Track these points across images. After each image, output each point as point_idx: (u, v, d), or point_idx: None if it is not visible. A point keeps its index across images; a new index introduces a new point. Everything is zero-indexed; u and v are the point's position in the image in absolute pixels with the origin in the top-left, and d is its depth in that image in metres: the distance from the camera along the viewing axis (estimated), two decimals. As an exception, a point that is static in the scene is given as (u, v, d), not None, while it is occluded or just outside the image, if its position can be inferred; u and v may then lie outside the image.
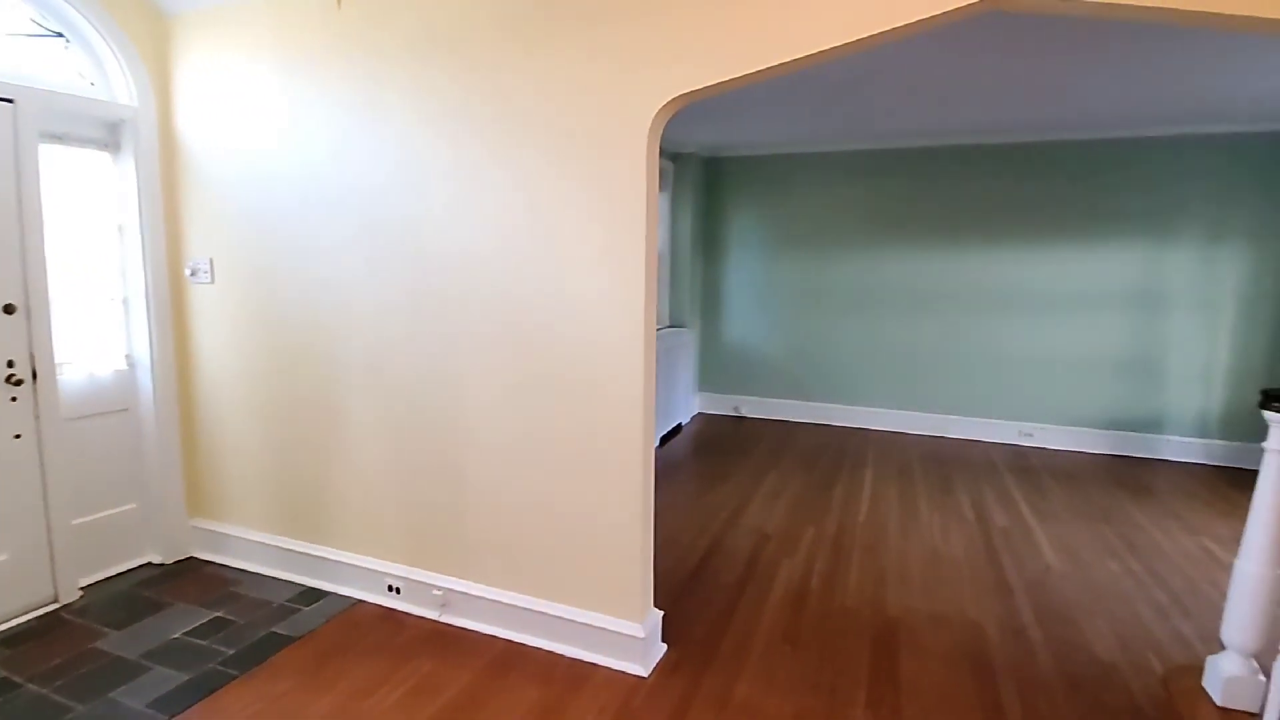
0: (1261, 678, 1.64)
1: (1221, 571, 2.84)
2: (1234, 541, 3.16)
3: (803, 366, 5.40)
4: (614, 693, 2.03)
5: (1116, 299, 4.51)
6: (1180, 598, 2.63)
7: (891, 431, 5.15)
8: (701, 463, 4.36)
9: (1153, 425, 4.53)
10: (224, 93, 2.54)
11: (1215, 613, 2.46)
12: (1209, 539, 3.21)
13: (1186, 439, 4.46)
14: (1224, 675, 1.67)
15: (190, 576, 2.73)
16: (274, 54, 2.42)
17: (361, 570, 2.55)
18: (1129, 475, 4.18)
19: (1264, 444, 1.61)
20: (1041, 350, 4.72)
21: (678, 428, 5.13)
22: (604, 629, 2.15)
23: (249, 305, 2.63)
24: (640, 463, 2.04)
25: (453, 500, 2.36)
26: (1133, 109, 3.83)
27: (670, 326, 5.28)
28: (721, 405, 5.69)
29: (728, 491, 3.81)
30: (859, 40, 1.62)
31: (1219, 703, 1.68)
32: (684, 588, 2.68)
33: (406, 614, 2.46)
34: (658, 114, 1.86)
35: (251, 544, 2.77)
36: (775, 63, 1.69)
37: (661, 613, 2.29)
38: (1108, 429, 4.63)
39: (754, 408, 5.58)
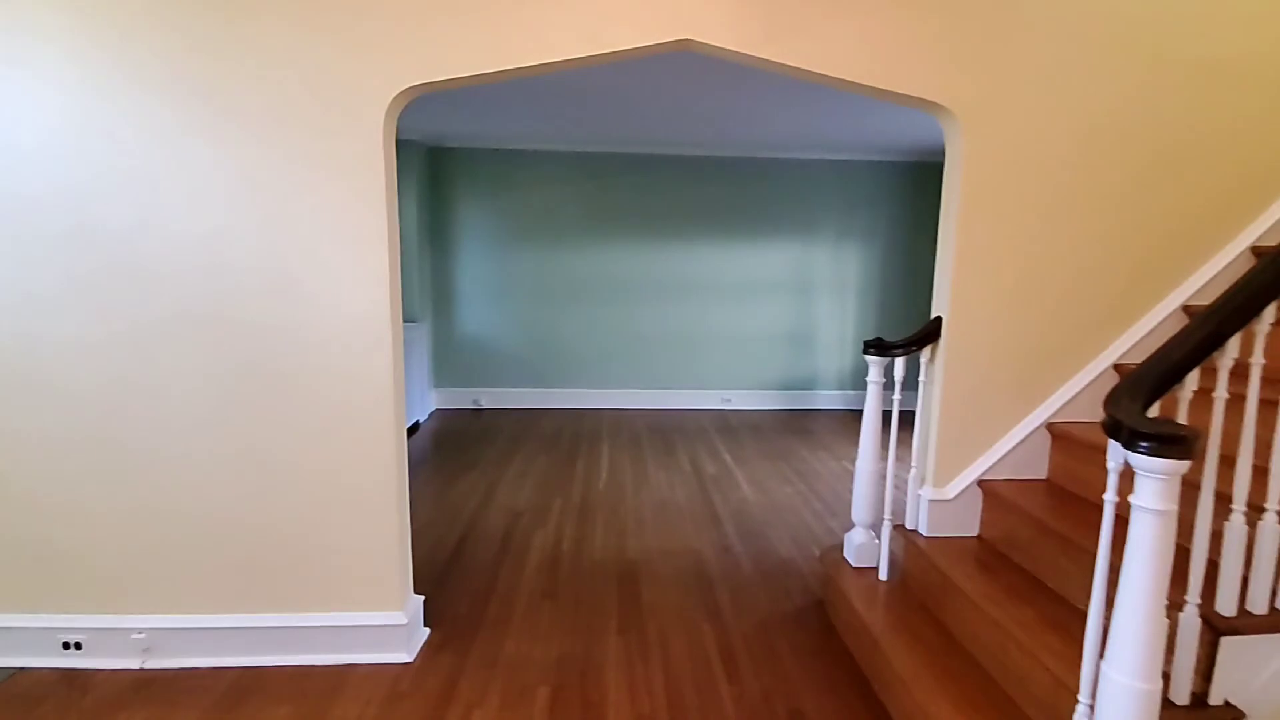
0: (876, 541, 2.33)
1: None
2: (861, 461, 4.29)
3: (539, 356, 5.67)
4: (377, 684, 1.99)
5: (782, 285, 5.68)
6: (830, 504, 3.50)
7: (622, 409, 5.71)
8: (445, 456, 4.33)
9: (810, 383, 5.83)
10: None
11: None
12: (847, 461, 4.29)
13: (831, 391, 5.85)
14: (855, 544, 2.34)
15: None
16: None
17: (17, 631, 2.04)
18: (796, 423, 5.32)
19: (868, 378, 2.29)
20: (733, 329, 5.71)
21: (415, 425, 4.99)
22: (361, 626, 2.08)
23: None
24: (393, 449, 2.03)
25: (154, 521, 2.03)
26: (789, 136, 4.87)
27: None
28: (460, 399, 5.67)
29: (476, 479, 3.87)
30: (581, 59, 1.85)
31: (853, 564, 2.34)
32: (443, 572, 2.70)
33: (96, 671, 2.04)
34: (394, 100, 1.86)
35: None
36: (505, 68, 1.84)
37: (422, 598, 2.29)
38: (781, 389, 5.81)
39: (494, 399, 5.68)
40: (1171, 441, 1.07)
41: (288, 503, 2.04)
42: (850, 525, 2.44)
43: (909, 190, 5.64)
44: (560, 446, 4.57)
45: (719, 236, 5.59)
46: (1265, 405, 1.48)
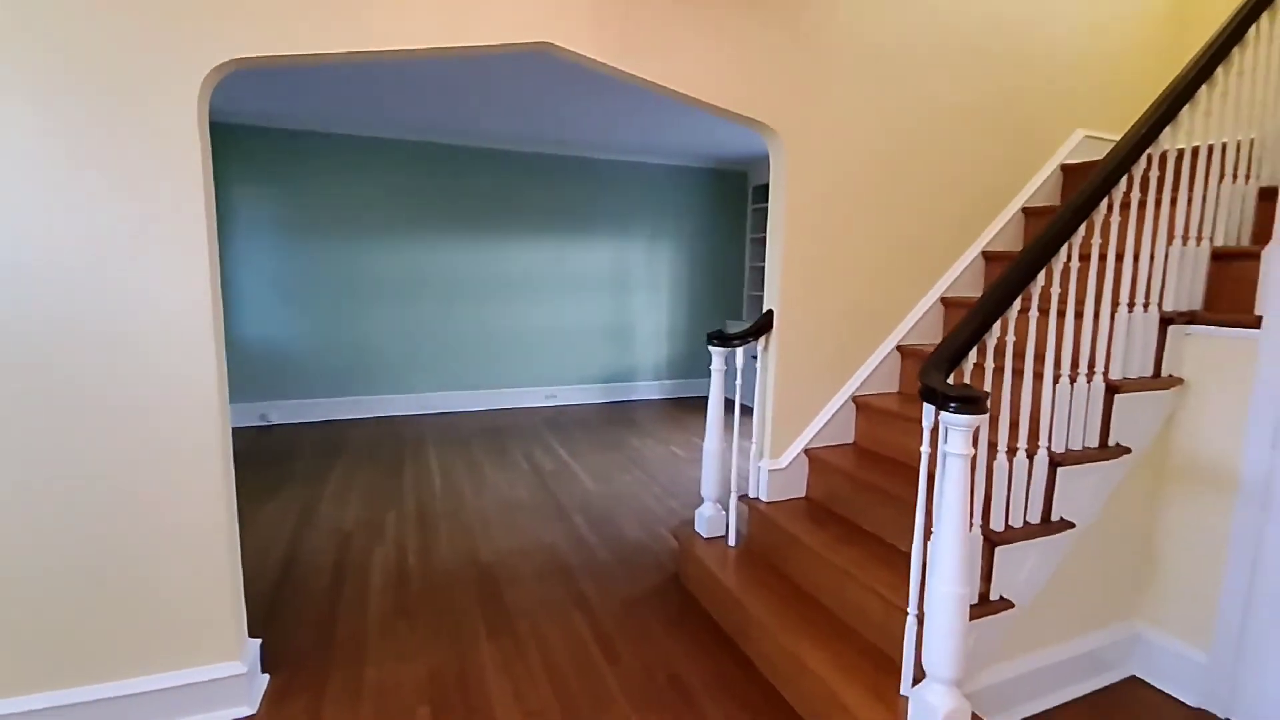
0: (724, 512, 2.58)
1: (684, 465, 4.15)
2: (689, 445, 4.63)
3: (342, 362, 5.19)
4: (216, 744, 1.73)
5: (601, 282, 5.87)
6: (667, 486, 3.74)
7: (445, 412, 5.46)
8: (239, 480, 3.79)
9: (630, 375, 6.11)
10: None
11: (689, 490, 3.63)
12: (674, 445, 4.60)
13: (650, 382, 6.19)
14: (705, 517, 2.58)
15: None
16: None
17: None
18: (621, 414, 5.56)
19: (710, 366, 2.52)
20: (554, 325, 5.76)
21: (198, 448, 4.27)
22: (190, 684, 1.78)
23: None
24: (219, 469, 1.76)
25: None
26: (612, 138, 5.04)
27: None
28: (243, 416, 4.96)
29: (284, 503, 3.45)
30: (438, 49, 1.77)
31: (704, 535, 2.58)
32: (269, 608, 2.40)
33: None
34: (211, 73, 1.61)
35: None
36: (353, 50, 1.69)
37: (259, 640, 2.02)
38: (604, 382, 6.01)
39: (288, 413, 5.07)
40: (972, 401, 1.39)
41: (92, 546, 1.67)
42: (691, 503, 2.67)
43: (710, 194, 6.18)
44: (381, 457, 4.25)
45: (538, 233, 5.60)
46: (1015, 374, 1.95)
